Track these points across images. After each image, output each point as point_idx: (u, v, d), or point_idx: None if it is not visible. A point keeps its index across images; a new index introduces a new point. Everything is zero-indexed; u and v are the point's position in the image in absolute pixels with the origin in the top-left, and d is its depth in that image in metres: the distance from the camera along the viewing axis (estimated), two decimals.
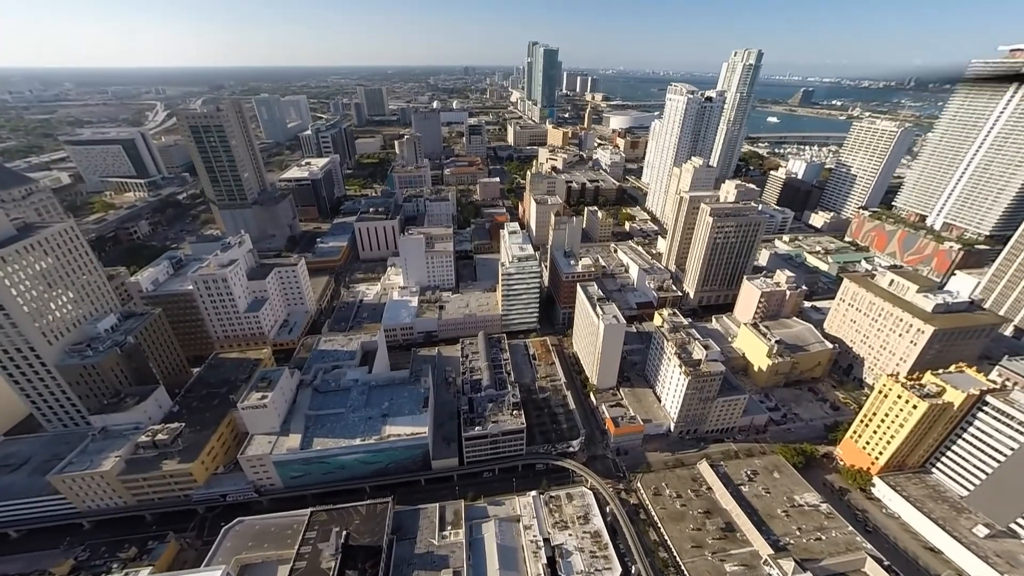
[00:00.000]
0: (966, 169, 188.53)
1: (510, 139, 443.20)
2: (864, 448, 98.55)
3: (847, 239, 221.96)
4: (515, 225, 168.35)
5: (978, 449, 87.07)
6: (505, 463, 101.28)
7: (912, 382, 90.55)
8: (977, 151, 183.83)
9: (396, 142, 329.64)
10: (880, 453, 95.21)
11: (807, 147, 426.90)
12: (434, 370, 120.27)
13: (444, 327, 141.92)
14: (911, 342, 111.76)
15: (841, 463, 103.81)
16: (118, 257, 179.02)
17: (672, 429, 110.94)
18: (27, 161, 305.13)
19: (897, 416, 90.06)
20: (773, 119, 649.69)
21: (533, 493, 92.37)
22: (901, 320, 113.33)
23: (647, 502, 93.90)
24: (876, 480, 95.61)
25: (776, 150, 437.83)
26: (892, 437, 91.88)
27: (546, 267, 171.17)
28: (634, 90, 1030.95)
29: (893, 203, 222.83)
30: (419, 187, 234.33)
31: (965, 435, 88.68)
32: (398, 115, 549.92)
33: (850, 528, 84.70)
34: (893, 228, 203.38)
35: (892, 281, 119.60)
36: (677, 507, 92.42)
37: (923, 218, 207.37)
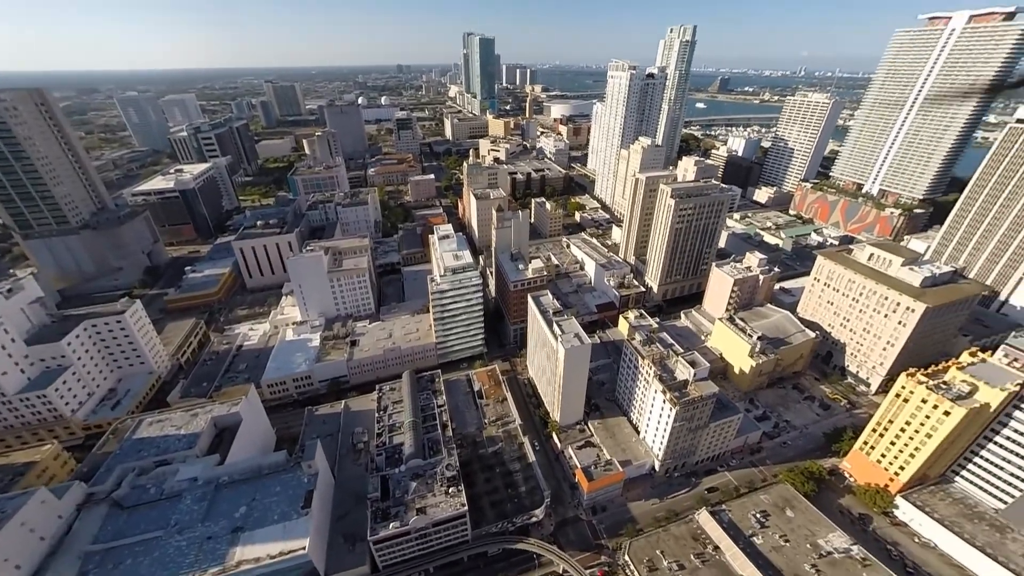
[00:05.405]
0: (897, 136, 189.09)
1: (448, 133, 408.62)
2: (879, 462, 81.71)
3: (791, 212, 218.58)
4: (447, 228, 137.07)
5: (1015, 454, 72.33)
6: (442, 558, 71.74)
7: (933, 379, 74.12)
8: (906, 118, 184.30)
9: (305, 141, 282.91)
10: (901, 468, 78.50)
11: (733, 127, 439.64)
12: (337, 435, 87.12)
13: (358, 369, 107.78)
14: (899, 323, 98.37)
15: (852, 480, 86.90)
16: None
17: (657, 468, 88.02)
18: None
19: (923, 424, 73.15)
20: (701, 104, 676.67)
21: None
22: (886, 299, 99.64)
23: None
24: (899, 500, 78.99)
25: (708, 132, 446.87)
26: (917, 449, 75.11)
27: (492, 273, 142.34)
28: (571, 82, 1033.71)
29: (830, 174, 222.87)
30: (330, 191, 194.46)
31: (997, 438, 73.77)
32: (317, 114, 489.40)
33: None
34: (835, 198, 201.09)
35: (872, 255, 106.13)
36: None
37: (860, 186, 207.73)
